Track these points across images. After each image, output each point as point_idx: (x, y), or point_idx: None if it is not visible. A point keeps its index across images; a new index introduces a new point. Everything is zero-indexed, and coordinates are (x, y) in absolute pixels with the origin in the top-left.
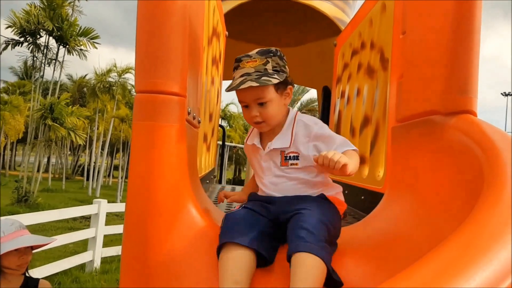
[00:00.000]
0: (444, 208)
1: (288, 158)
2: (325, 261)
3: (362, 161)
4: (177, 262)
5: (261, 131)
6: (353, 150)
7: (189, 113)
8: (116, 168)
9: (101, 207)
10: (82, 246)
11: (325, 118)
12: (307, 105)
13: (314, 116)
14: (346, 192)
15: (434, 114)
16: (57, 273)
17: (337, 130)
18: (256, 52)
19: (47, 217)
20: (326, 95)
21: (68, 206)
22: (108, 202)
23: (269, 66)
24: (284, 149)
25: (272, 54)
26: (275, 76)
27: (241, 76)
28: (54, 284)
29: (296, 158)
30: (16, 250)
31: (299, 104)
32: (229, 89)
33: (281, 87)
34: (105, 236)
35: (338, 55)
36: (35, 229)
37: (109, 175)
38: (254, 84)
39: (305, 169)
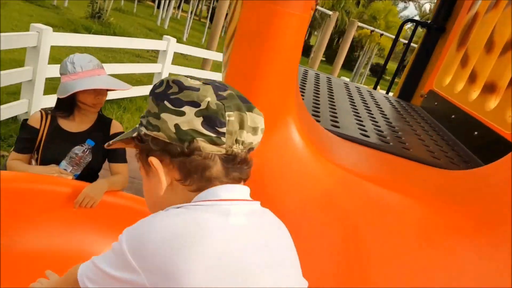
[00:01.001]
0: None
1: None
2: None
3: (492, 89)
4: (262, 176)
5: None
6: None
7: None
8: (187, 0)
9: (170, 46)
10: (147, 77)
11: (442, 14)
12: None
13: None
14: (453, 116)
15: None
16: (123, 98)
17: (465, 37)
18: None
19: (119, 43)
20: None
21: (137, 32)
22: (175, 37)
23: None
24: None
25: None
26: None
27: None
28: (120, 109)
29: None
30: (93, 89)
31: None
32: None
33: (141, 157)
34: (170, 74)
35: None
36: (106, 50)
37: (178, 7)
38: None
39: None
